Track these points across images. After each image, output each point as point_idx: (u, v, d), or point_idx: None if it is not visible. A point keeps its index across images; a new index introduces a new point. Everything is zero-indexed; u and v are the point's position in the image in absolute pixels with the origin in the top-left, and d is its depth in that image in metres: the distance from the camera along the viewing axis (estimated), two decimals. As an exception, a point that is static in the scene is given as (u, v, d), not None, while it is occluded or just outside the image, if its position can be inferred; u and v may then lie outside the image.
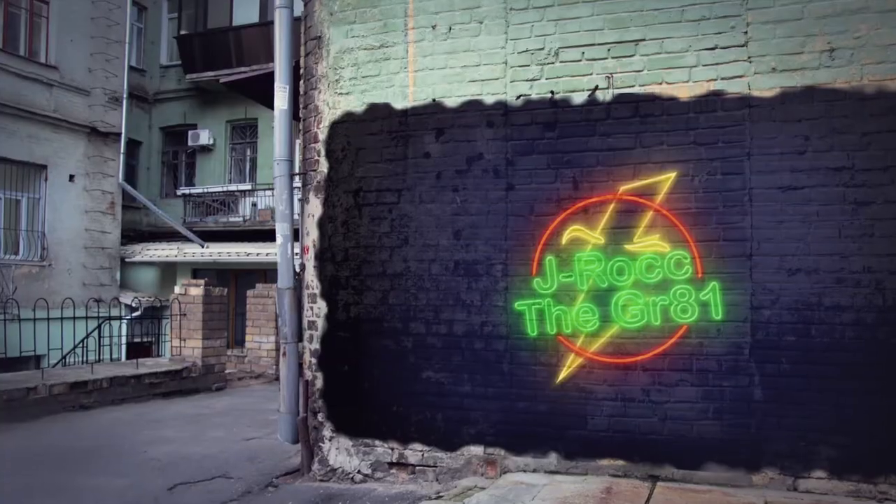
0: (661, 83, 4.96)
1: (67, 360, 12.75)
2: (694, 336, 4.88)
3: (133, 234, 17.90)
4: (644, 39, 5.00)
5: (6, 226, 14.32)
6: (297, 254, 6.24)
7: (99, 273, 15.98)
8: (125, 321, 15.29)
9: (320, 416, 5.78)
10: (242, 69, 15.49)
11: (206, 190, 17.82)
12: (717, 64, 4.85)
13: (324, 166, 5.82)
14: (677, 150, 4.92)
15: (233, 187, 17.68)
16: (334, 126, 5.78)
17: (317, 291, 5.82)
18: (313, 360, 5.83)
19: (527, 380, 5.21)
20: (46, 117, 14.76)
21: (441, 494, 5.10)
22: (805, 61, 4.68)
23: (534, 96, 5.25)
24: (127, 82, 16.68)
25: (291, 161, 6.13)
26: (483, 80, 5.38)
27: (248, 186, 17.60)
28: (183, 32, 18.11)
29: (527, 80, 5.27)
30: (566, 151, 5.16)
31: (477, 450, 5.33)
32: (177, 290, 11.40)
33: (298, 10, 6.12)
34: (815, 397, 4.63)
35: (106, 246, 16.22)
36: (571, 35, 5.16)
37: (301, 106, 6.17)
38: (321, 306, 5.79)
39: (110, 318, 13.14)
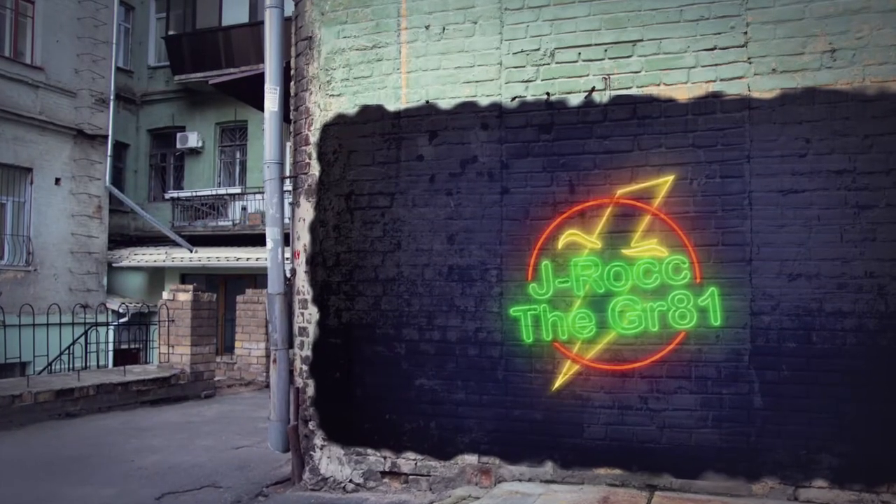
0: (659, 84, 4.88)
1: (53, 367, 12.58)
2: (692, 342, 4.79)
3: (120, 239, 17.71)
4: (642, 40, 4.92)
5: (-9, 230, 14.14)
6: (287, 259, 6.14)
7: (86, 278, 15.78)
8: (112, 327, 15.09)
9: (311, 425, 5.66)
10: (232, 70, 15.36)
11: (194, 193, 17.65)
12: (716, 65, 4.76)
13: (315, 169, 5.71)
14: (675, 153, 4.84)
15: (222, 191, 17.52)
16: (326, 128, 5.67)
17: (308, 297, 5.70)
18: (304, 367, 5.71)
19: (522, 387, 5.11)
20: (32, 119, 14.57)
21: (435, 505, 5.01)
22: (806, 62, 4.61)
23: (529, 98, 5.15)
24: (114, 84, 16.50)
25: (282, 164, 6.03)
26: (477, 82, 5.28)
27: (237, 190, 17.46)
28: (171, 33, 17.95)
29: (522, 82, 5.17)
30: (562, 154, 5.07)
31: (471, 458, 5.22)
32: (165, 295, 11.24)
33: (289, 9, 6.02)
34: (816, 405, 4.56)
35: (93, 250, 16.02)
36: (567, 35, 5.07)
37: (292, 108, 6.07)
38: (312, 312, 5.68)
39: (97, 324, 12.97)
